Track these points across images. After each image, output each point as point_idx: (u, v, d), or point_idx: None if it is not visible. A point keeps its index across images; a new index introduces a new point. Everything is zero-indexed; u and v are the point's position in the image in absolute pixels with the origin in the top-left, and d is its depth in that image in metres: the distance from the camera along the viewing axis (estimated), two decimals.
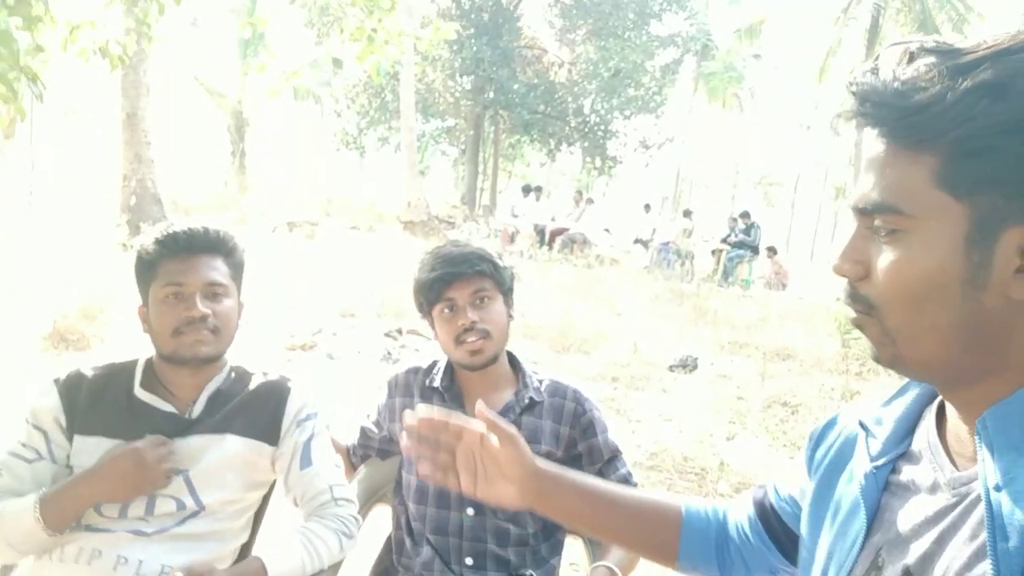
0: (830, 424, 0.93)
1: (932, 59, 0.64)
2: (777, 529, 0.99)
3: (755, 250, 14.01)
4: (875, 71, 0.68)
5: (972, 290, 0.65)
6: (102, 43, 2.74)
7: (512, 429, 0.99)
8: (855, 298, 0.72)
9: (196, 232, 1.49)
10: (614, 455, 1.65)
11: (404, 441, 0.99)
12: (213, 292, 1.47)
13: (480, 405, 0.98)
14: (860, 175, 0.71)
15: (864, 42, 18.23)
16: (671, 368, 6.31)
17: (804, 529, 0.90)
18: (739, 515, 1.04)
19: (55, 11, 2.51)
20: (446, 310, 1.59)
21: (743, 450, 4.50)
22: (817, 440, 0.93)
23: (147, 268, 1.48)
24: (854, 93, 0.69)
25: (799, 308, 9.62)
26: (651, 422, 4.94)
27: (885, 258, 0.68)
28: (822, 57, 19.77)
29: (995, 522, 0.62)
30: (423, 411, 0.98)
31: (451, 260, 1.58)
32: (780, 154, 37.49)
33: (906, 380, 0.84)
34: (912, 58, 0.66)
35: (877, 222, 0.69)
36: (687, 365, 6.36)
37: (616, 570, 1.46)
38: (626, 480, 1.65)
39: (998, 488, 0.63)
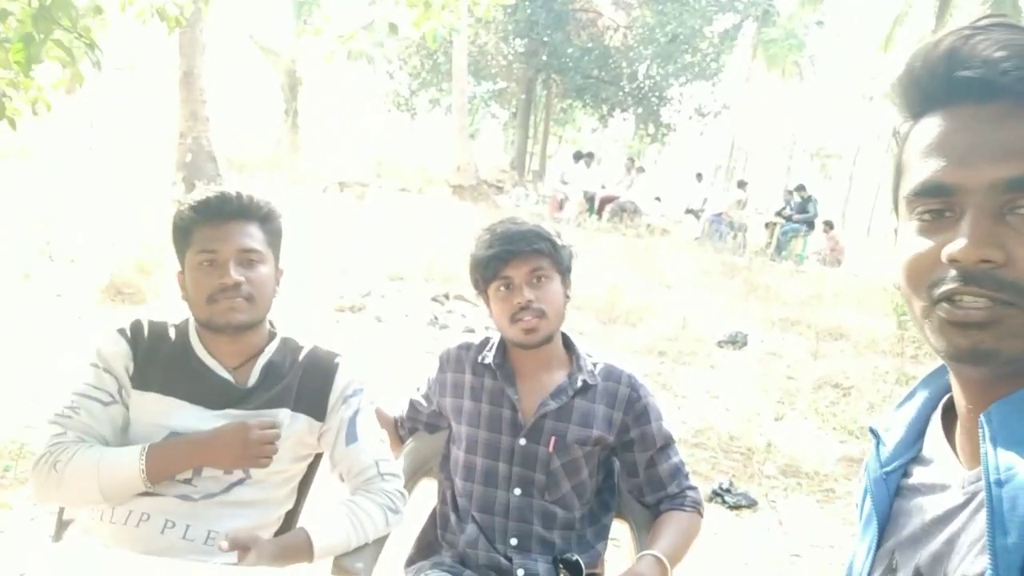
0: None
1: None
2: None
3: (811, 224, 13.65)
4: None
5: None
6: (159, 5, 2.75)
7: None
8: (1000, 285, 0.64)
9: (229, 197, 1.46)
10: (667, 443, 1.61)
11: None
12: (248, 259, 1.46)
13: None
14: (974, 148, 0.66)
15: (934, 11, 17.46)
16: (720, 344, 6.22)
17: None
18: None
19: None
20: (502, 288, 1.56)
21: (791, 431, 4.42)
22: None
23: (182, 234, 1.48)
24: (1008, 56, 0.64)
25: (854, 286, 9.38)
26: (697, 398, 4.88)
27: None
28: (888, 26, 19.04)
29: (995, 517, 0.62)
30: None
31: (508, 238, 1.55)
32: (839, 125, 36.37)
33: (915, 384, 0.84)
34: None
35: None
36: (736, 341, 6.26)
37: (664, 559, 1.43)
38: (678, 469, 1.62)
39: (999, 484, 0.63)
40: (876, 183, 36.61)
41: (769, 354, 6.11)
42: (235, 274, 1.43)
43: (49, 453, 1.41)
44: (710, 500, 3.45)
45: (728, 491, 3.52)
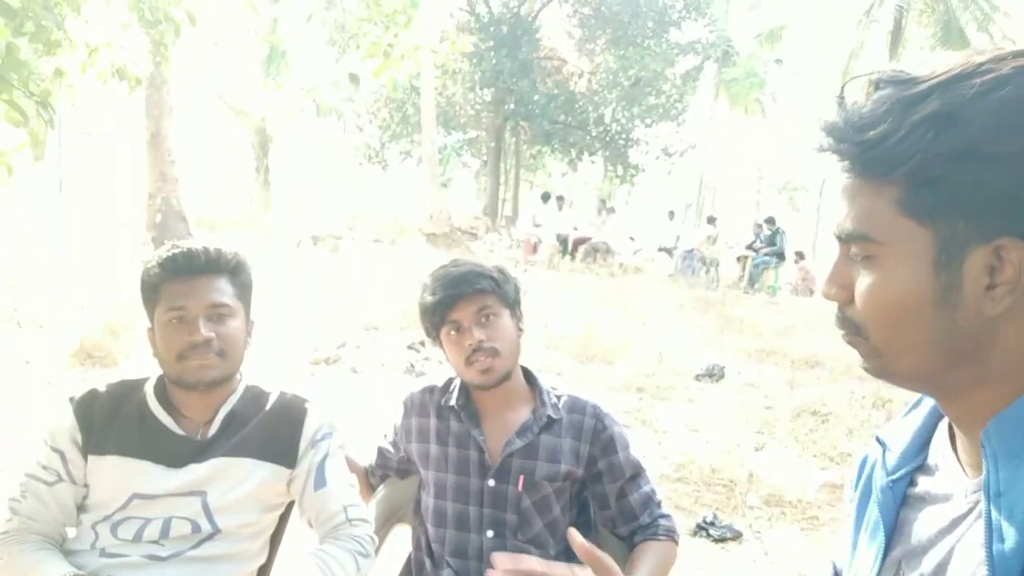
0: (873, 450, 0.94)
1: (888, 91, 0.67)
2: None
3: (781, 256, 13.85)
4: (841, 106, 0.71)
5: (944, 310, 0.67)
6: (119, 65, 2.77)
7: (608, 559, 0.92)
8: (842, 322, 0.76)
9: (196, 253, 1.46)
10: (636, 472, 1.60)
11: None
12: (217, 314, 1.45)
13: (572, 534, 0.93)
14: (837, 204, 0.75)
15: (887, 44, 18.01)
16: (697, 377, 6.23)
17: (845, 555, 0.90)
18: None
19: (73, 35, 2.54)
20: (452, 332, 1.56)
21: (772, 461, 4.41)
22: (861, 465, 0.93)
23: (151, 291, 1.47)
24: (821, 129, 0.73)
25: (827, 314, 9.44)
26: (677, 433, 4.87)
27: (862, 283, 0.72)
28: (844, 60, 19.58)
29: (992, 524, 0.63)
30: (505, 559, 0.91)
31: (451, 281, 1.55)
32: (804, 159, 37.08)
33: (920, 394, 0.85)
34: (873, 91, 0.69)
35: (854, 249, 0.72)
36: (714, 374, 6.27)
37: None
38: (649, 498, 1.60)
39: (998, 495, 0.64)
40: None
41: (746, 385, 6.12)
42: (205, 331, 1.42)
43: None
44: (695, 534, 3.42)
45: (712, 524, 3.50)
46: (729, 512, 3.71)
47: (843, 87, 0.72)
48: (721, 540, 3.41)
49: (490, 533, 1.57)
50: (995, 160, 0.62)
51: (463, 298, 1.54)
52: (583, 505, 1.67)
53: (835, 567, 1.00)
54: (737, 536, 3.45)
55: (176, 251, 1.47)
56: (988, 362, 0.68)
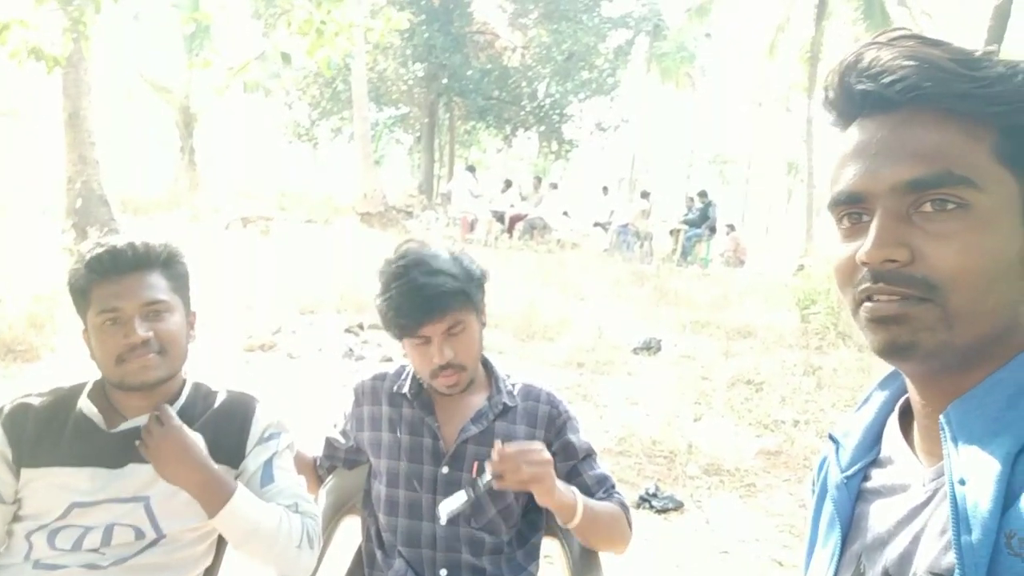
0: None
1: (974, 48, 0.67)
2: None
3: (712, 229, 14.13)
4: (941, 46, 0.67)
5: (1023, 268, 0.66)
6: (35, 44, 2.60)
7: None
8: (908, 282, 0.67)
9: (122, 250, 1.38)
10: (589, 454, 1.62)
11: None
12: (153, 311, 1.38)
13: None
14: (878, 155, 0.69)
15: (813, 18, 18.40)
16: (635, 351, 6.34)
17: (805, 553, 0.91)
18: None
19: None
20: (419, 343, 1.51)
21: (711, 431, 4.53)
22: (820, 464, 0.93)
23: (80, 294, 1.39)
24: (915, 65, 0.67)
25: (758, 285, 9.73)
26: (618, 406, 4.95)
27: (953, 234, 0.65)
28: (772, 34, 19.94)
29: (959, 516, 0.62)
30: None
31: (419, 303, 1.45)
32: (733, 132, 37.86)
33: (871, 387, 0.85)
34: (939, 43, 0.68)
35: (931, 199, 0.66)
36: (651, 347, 6.39)
37: (581, 504, 1.43)
38: (605, 478, 1.62)
39: (962, 482, 0.64)
40: (771, 184, 38.21)
41: (683, 357, 6.26)
42: (141, 331, 1.35)
43: None
44: (638, 506, 3.49)
45: (655, 495, 3.58)
46: (670, 483, 3.80)
47: (876, 38, 0.70)
48: (664, 511, 3.49)
49: (443, 520, 1.56)
50: None
51: (432, 321, 1.48)
52: None
53: None
54: (679, 506, 3.54)
55: (101, 250, 1.38)
56: (1015, 337, 0.67)
